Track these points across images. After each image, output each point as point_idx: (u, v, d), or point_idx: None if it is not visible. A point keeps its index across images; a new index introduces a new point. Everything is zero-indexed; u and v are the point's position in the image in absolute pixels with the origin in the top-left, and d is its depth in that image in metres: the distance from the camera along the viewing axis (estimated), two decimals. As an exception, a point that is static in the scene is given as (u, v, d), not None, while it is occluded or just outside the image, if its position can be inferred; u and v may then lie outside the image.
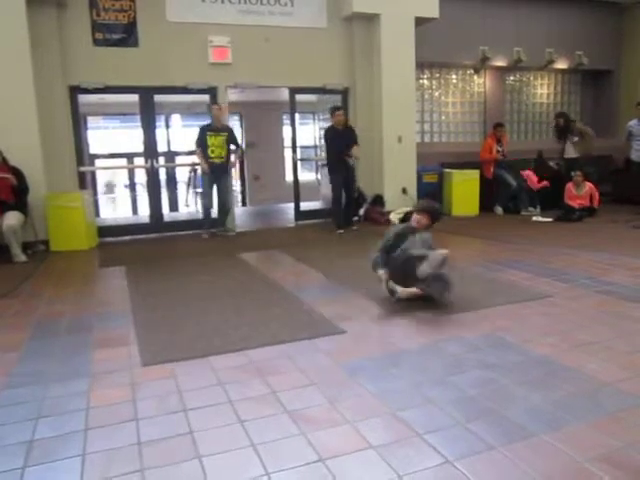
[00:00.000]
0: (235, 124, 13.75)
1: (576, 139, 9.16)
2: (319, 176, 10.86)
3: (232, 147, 7.78)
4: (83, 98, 7.87)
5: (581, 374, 2.79)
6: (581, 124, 9.66)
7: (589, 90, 11.71)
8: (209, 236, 7.66)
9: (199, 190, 12.37)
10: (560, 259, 5.52)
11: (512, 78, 11.01)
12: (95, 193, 11.43)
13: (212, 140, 7.54)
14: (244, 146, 14.33)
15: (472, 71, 10.49)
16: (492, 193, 9.05)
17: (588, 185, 8.48)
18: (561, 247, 6.13)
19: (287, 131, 12.45)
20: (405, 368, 2.94)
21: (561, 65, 10.82)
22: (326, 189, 9.39)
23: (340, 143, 7.62)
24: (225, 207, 7.87)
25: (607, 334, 3.37)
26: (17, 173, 6.40)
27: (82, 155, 7.87)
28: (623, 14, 11.03)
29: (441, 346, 3.25)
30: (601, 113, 11.54)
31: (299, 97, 8.92)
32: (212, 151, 7.55)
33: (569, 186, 8.52)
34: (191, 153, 11.89)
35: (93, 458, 2.16)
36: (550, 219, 8.13)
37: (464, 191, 8.93)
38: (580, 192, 8.44)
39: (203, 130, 7.62)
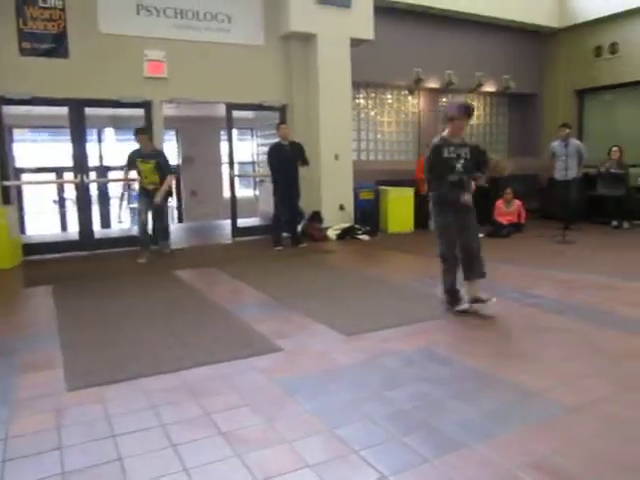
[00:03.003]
0: (171, 139, 13.50)
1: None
2: (257, 192, 10.81)
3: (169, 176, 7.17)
4: (8, 109, 7.51)
5: (511, 385, 2.88)
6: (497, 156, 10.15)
7: (516, 112, 12.33)
8: (146, 260, 6.96)
9: (133, 206, 12.06)
10: (490, 273, 5.69)
11: (444, 99, 11.41)
12: (21, 208, 10.86)
13: (142, 166, 7.09)
14: (180, 162, 14.08)
15: (407, 92, 10.80)
16: (427, 210, 9.26)
17: (516, 202, 8.87)
18: (491, 261, 6.32)
19: (225, 147, 12.35)
20: (342, 384, 2.94)
21: (490, 88, 11.34)
22: (264, 205, 9.33)
23: (286, 159, 7.59)
24: (162, 228, 7.47)
25: (535, 345, 3.50)
26: None
27: (7, 169, 7.48)
28: (544, 42, 11.71)
29: (378, 361, 3.27)
30: (527, 134, 12.17)
31: (237, 113, 8.86)
32: (145, 177, 7.13)
33: (499, 203, 8.88)
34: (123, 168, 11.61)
35: (11, 491, 2.02)
36: (481, 235, 8.37)
37: (399, 208, 9.11)
38: (509, 209, 8.82)
39: (131, 157, 7.14)
